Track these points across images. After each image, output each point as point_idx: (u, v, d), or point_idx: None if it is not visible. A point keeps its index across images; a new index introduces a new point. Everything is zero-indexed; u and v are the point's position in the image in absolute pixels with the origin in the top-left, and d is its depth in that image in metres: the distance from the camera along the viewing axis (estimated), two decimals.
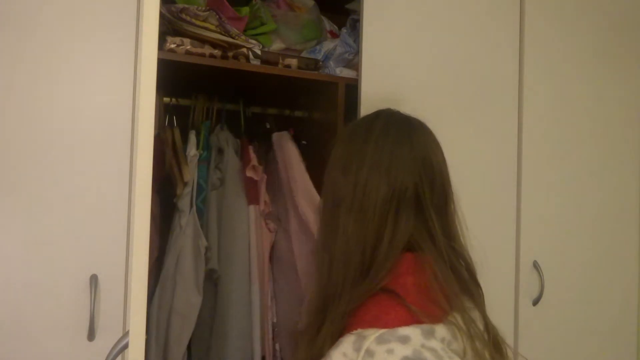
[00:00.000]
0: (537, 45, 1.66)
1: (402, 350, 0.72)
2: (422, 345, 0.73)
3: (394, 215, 0.85)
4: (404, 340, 0.73)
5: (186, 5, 1.37)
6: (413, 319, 0.76)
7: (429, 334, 0.75)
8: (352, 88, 1.45)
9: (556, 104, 1.70)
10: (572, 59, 1.73)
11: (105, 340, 1.15)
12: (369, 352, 0.71)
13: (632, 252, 1.82)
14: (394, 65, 1.46)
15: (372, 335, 0.73)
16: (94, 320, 1.14)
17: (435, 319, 0.77)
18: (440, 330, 0.76)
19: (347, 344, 0.74)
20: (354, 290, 0.81)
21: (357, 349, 0.72)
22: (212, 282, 1.47)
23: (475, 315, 0.82)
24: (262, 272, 1.51)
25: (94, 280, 1.15)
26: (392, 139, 0.90)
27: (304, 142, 1.65)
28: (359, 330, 0.75)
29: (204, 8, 1.39)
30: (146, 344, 1.36)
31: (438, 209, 0.88)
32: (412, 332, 0.74)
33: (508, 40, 1.63)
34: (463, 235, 0.91)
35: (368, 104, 1.39)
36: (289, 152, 1.53)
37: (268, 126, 1.72)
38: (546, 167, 1.67)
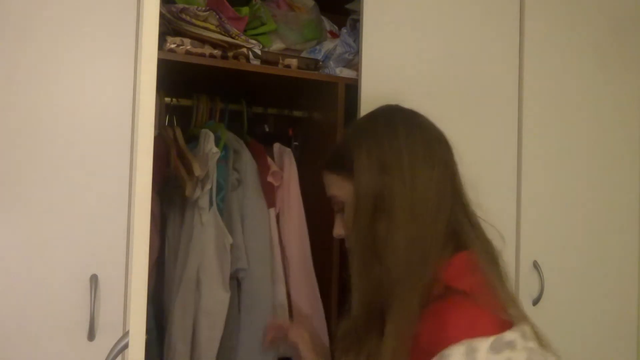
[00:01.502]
0: (537, 46, 1.66)
1: (517, 356, 0.72)
2: (524, 348, 0.73)
3: (446, 208, 0.83)
4: (512, 345, 0.72)
5: (186, 5, 1.37)
6: (504, 322, 0.75)
7: (525, 335, 0.75)
8: (352, 88, 1.45)
9: (556, 104, 1.70)
10: (572, 60, 1.73)
11: (105, 340, 1.15)
12: None
13: (632, 252, 1.82)
14: (394, 65, 1.46)
15: (482, 345, 0.71)
16: (94, 320, 1.14)
17: (514, 318, 0.77)
18: (527, 329, 0.77)
19: (458, 355, 0.71)
20: (415, 295, 0.77)
21: None
22: (234, 280, 1.46)
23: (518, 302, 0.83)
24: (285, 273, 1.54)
25: (94, 280, 1.15)
26: (420, 130, 0.89)
27: (295, 143, 1.66)
28: (465, 340, 0.71)
29: (204, 8, 1.38)
30: (171, 344, 1.35)
31: (466, 197, 0.89)
32: (514, 336, 0.73)
33: (508, 40, 1.63)
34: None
35: (368, 104, 1.39)
36: (291, 178, 1.56)
37: (267, 129, 1.73)
38: (546, 167, 1.67)
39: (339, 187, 0.90)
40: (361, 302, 0.83)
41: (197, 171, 1.36)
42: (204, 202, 1.40)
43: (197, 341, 1.36)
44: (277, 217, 1.56)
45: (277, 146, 1.62)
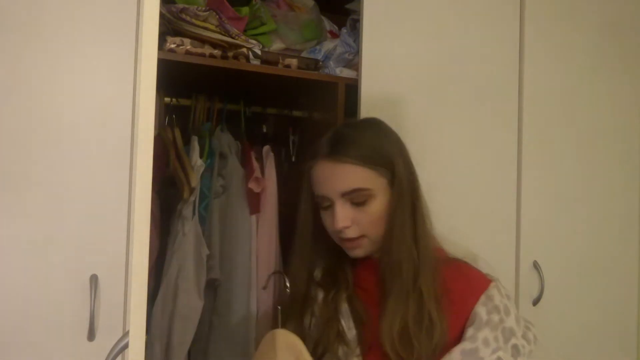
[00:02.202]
0: (537, 45, 1.66)
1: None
2: None
3: None
4: None
5: (186, 5, 1.37)
6: None
7: None
8: (352, 88, 1.45)
9: (556, 104, 1.70)
10: (572, 60, 1.73)
11: (105, 340, 1.15)
12: (508, 296, 0.99)
13: (632, 252, 1.82)
14: (394, 65, 1.46)
15: (499, 284, 0.99)
16: (94, 320, 1.14)
17: None
18: None
19: (496, 292, 0.97)
20: (436, 263, 0.99)
21: (503, 295, 0.97)
22: (212, 288, 1.49)
23: None
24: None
25: (94, 280, 1.15)
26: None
27: (293, 137, 1.66)
28: (492, 283, 0.98)
29: (204, 8, 1.39)
30: (148, 345, 1.38)
31: None
32: None
33: (508, 40, 1.63)
34: None
35: (368, 104, 1.39)
36: (269, 184, 1.57)
37: (265, 130, 1.73)
38: (546, 167, 1.67)
39: (370, 181, 0.97)
40: (403, 277, 0.96)
41: (194, 182, 1.39)
42: (187, 211, 1.43)
43: (170, 343, 1.40)
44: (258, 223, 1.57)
45: (266, 149, 1.62)
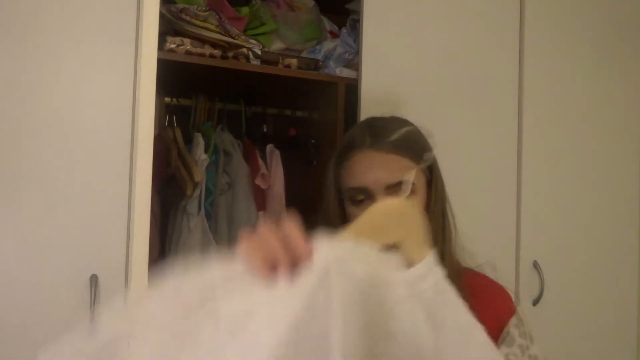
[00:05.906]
0: (537, 45, 1.66)
1: None
2: None
3: None
4: None
5: (186, 5, 1.37)
6: None
7: None
8: (352, 88, 1.45)
9: (556, 104, 1.70)
10: (572, 59, 1.73)
11: None
12: (530, 337, 0.92)
13: (632, 252, 1.82)
14: (394, 65, 1.46)
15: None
16: (94, 320, 1.14)
17: None
18: None
19: (525, 319, 0.93)
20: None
21: (527, 322, 0.93)
22: None
23: None
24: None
25: (94, 280, 1.15)
26: None
27: (313, 140, 1.64)
28: (519, 308, 0.94)
29: (204, 8, 1.39)
30: None
31: None
32: None
33: (508, 40, 1.63)
34: None
35: (368, 104, 1.39)
36: (276, 180, 1.57)
37: (265, 130, 1.73)
38: (546, 166, 1.67)
39: (415, 175, 0.93)
40: None
41: (198, 177, 1.38)
42: (192, 207, 1.42)
43: None
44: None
45: (269, 147, 1.62)
